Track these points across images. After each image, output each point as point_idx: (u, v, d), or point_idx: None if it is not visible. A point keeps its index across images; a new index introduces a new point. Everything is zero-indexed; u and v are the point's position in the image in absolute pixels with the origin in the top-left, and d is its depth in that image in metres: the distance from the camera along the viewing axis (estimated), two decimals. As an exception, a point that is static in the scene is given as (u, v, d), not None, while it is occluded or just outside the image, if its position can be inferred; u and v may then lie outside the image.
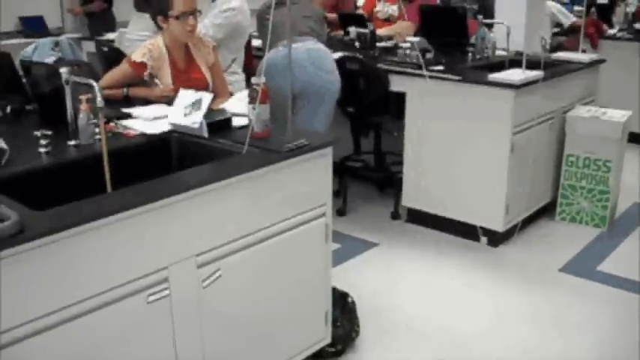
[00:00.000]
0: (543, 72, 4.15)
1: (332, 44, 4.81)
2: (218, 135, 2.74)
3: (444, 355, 3.18)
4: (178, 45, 3.36)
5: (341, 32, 5.54)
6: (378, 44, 5.07)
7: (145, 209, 2.08)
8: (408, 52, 4.57)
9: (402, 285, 3.81)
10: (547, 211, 4.70)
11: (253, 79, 2.66)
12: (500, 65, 4.44)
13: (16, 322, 1.84)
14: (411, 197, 4.54)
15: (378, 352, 3.18)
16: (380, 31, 5.33)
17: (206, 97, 2.78)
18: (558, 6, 6.72)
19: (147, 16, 3.63)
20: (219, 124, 2.79)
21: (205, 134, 2.73)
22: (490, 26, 4.99)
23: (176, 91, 2.96)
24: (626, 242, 4.39)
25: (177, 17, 3.23)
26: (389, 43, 5.14)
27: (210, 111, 2.79)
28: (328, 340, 2.98)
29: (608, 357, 3.19)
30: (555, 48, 5.90)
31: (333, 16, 5.74)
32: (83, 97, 2.61)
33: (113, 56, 4.44)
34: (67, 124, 2.70)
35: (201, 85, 3.28)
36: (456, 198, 4.30)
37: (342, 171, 4.84)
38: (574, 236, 4.44)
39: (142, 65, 3.30)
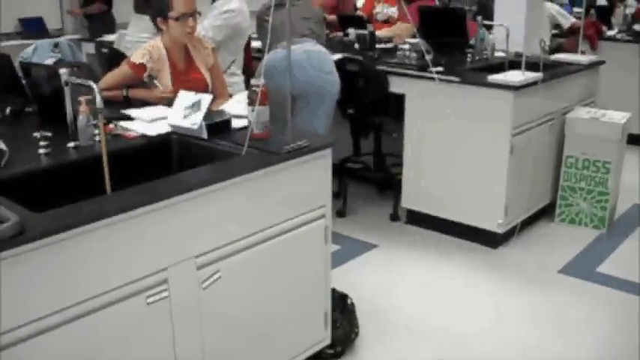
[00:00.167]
0: (543, 73, 4.15)
1: (331, 45, 4.82)
2: (217, 136, 2.74)
3: (443, 355, 3.18)
4: (178, 46, 3.36)
5: (340, 33, 5.55)
6: (378, 45, 5.07)
7: (145, 210, 2.08)
8: (407, 53, 4.58)
9: (402, 286, 3.81)
10: (546, 212, 4.70)
11: (253, 81, 2.66)
12: (499, 67, 4.44)
13: (16, 323, 1.84)
14: (411, 198, 4.54)
15: (377, 352, 3.18)
16: (379, 33, 5.33)
17: (205, 99, 2.78)
18: (557, 7, 6.73)
19: (147, 17, 3.63)
20: (218, 126, 2.79)
21: (205, 135, 2.73)
22: (489, 28, 5.00)
23: (176, 93, 2.97)
24: (626, 244, 4.39)
25: (176, 19, 3.23)
26: (388, 45, 5.15)
27: (209, 112, 2.79)
28: (328, 342, 2.98)
29: (607, 357, 3.19)
30: (555, 49, 5.91)
31: (332, 17, 5.75)
32: (83, 99, 2.62)
33: (113, 58, 4.44)
34: (66, 126, 2.70)
35: (200, 87, 3.28)
36: (456, 199, 4.30)
37: (341, 172, 4.84)
38: (573, 238, 4.44)
39: (142, 67, 3.30)
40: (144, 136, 2.79)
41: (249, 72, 4.52)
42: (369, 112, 4.72)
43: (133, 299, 2.11)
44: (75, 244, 1.92)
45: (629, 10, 7.39)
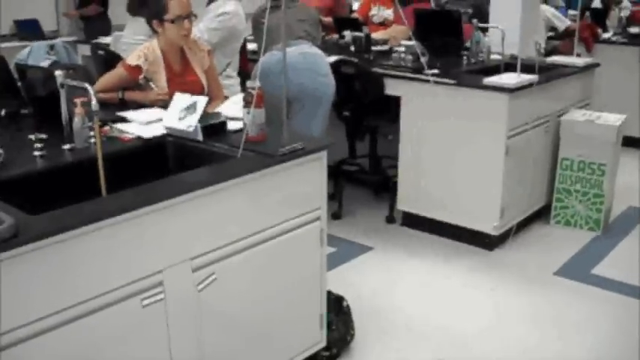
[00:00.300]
0: (538, 76, 4.16)
1: (327, 48, 4.82)
2: (213, 139, 2.74)
3: (443, 355, 3.19)
4: (174, 49, 3.36)
5: (336, 36, 5.56)
6: (373, 48, 5.08)
7: (140, 213, 2.08)
8: (403, 55, 4.58)
9: (398, 287, 3.81)
10: (542, 214, 4.71)
11: (248, 83, 2.66)
12: (495, 69, 4.45)
13: (15, 324, 1.84)
14: (406, 201, 4.55)
15: (376, 353, 3.19)
16: (375, 35, 5.34)
17: (201, 101, 2.78)
18: (553, 10, 6.74)
19: (143, 19, 3.63)
20: (214, 128, 2.79)
21: (200, 138, 2.73)
22: (485, 30, 5.00)
23: (171, 95, 2.97)
24: (621, 246, 4.40)
25: (172, 21, 3.24)
26: (384, 47, 5.15)
27: (205, 115, 2.80)
28: (323, 344, 2.98)
29: (607, 358, 3.20)
30: (550, 52, 5.93)
31: (328, 19, 5.75)
32: (78, 101, 2.62)
33: (109, 60, 4.43)
34: (62, 128, 2.70)
35: (196, 89, 3.28)
36: (451, 202, 4.31)
37: (337, 175, 4.84)
38: (569, 240, 4.45)
39: (138, 69, 3.30)
40: (139, 139, 2.79)
41: (244, 74, 4.51)
42: (364, 114, 4.72)
43: (129, 301, 2.11)
44: (70, 246, 1.92)
45: (624, 13, 7.42)
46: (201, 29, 4.11)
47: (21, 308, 1.85)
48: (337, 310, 3.13)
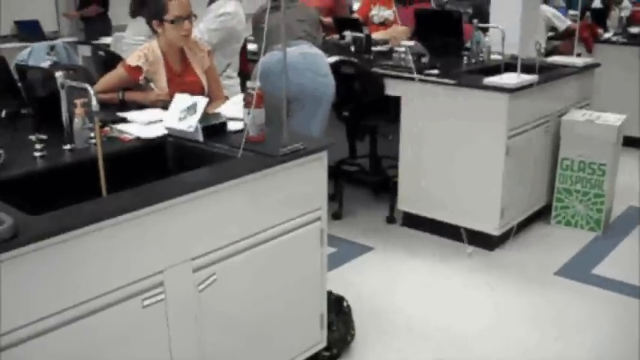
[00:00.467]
0: (538, 76, 4.16)
1: (327, 48, 4.82)
2: (213, 139, 2.74)
3: (443, 355, 3.19)
4: (174, 49, 3.36)
5: (336, 36, 5.55)
6: (374, 48, 5.08)
7: (140, 213, 2.08)
8: (403, 56, 4.58)
9: (398, 287, 3.82)
10: (542, 214, 4.71)
11: (248, 84, 2.66)
12: (495, 69, 4.45)
13: (15, 324, 1.84)
14: (407, 201, 4.55)
15: (377, 353, 3.19)
16: (375, 35, 5.34)
17: (201, 102, 2.78)
18: (553, 10, 6.74)
19: (143, 20, 3.63)
20: (214, 128, 2.79)
21: (200, 138, 2.73)
22: (485, 30, 5.00)
23: (171, 96, 2.97)
24: (621, 245, 4.40)
25: (172, 21, 3.24)
26: (384, 47, 5.15)
27: (205, 115, 2.80)
28: (324, 344, 2.98)
29: (607, 358, 3.20)
30: (550, 52, 5.93)
31: (328, 20, 5.75)
32: (78, 102, 2.62)
33: (109, 60, 4.43)
34: (62, 128, 2.71)
35: (196, 90, 3.28)
36: (452, 202, 4.31)
37: (337, 175, 4.84)
38: (569, 240, 4.45)
39: (138, 69, 3.30)
40: (139, 139, 2.79)
41: (244, 75, 4.52)
42: (364, 114, 4.72)
43: (129, 302, 2.11)
44: (71, 246, 1.92)
45: (625, 13, 7.42)
46: (201, 30, 4.11)
47: (21, 309, 1.86)
48: (337, 311, 3.13)
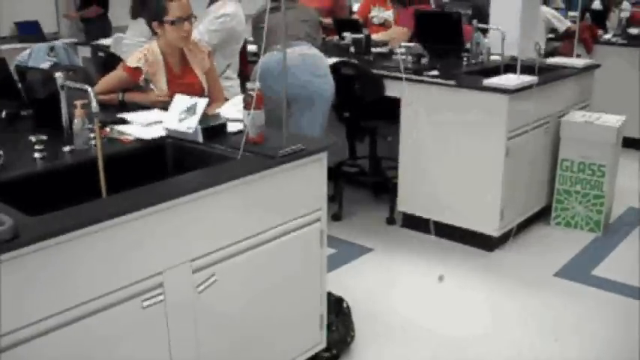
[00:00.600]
0: (538, 77, 4.16)
1: (327, 49, 4.82)
2: (213, 140, 2.74)
3: (439, 358, 3.19)
4: (174, 50, 3.36)
5: (336, 37, 5.56)
6: (373, 49, 5.08)
7: (140, 214, 2.08)
8: (403, 57, 4.59)
9: (398, 289, 3.82)
10: (542, 215, 4.71)
11: (248, 85, 2.66)
12: (495, 70, 4.46)
13: (15, 325, 1.84)
14: (407, 202, 4.55)
15: (373, 355, 3.19)
16: (375, 37, 5.34)
17: (201, 103, 2.78)
18: (553, 11, 6.75)
19: (144, 21, 3.63)
20: (214, 130, 2.79)
21: (200, 139, 2.73)
22: (485, 31, 5.01)
23: (171, 97, 2.97)
24: (621, 247, 4.40)
25: (172, 23, 3.24)
26: (384, 49, 5.15)
27: (205, 116, 2.80)
28: (323, 345, 2.98)
29: (609, 359, 3.21)
30: (550, 53, 5.93)
31: (328, 21, 5.75)
32: (78, 103, 2.62)
33: (109, 61, 4.44)
34: (62, 130, 2.70)
35: (196, 91, 3.29)
36: (451, 203, 4.31)
37: (337, 176, 4.84)
38: (569, 241, 4.45)
39: (138, 70, 3.30)
40: (139, 140, 2.78)
41: (244, 76, 4.52)
42: (364, 115, 4.72)
43: (129, 303, 2.11)
44: (71, 247, 1.92)
45: (624, 14, 7.42)
46: (201, 31, 4.11)
47: (21, 309, 1.86)
48: (337, 312, 3.14)
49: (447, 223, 4.37)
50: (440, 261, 4.14)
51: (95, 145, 2.46)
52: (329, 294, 3.03)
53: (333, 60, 4.54)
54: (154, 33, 3.37)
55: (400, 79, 4.35)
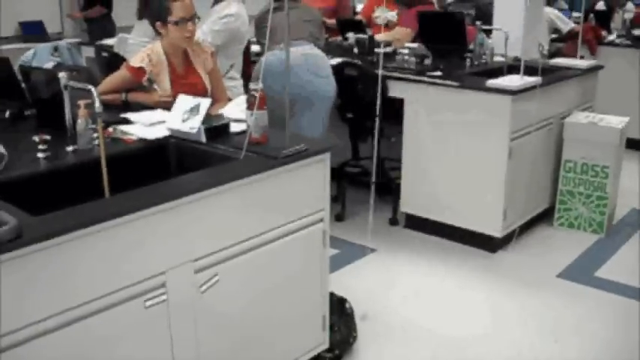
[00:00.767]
0: (541, 78, 4.16)
1: (330, 50, 4.83)
2: (216, 140, 2.74)
3: (440, 358, 3.19)
4: (177, 50, 3.37)
5: (339, 38, 5.56)
6: (377, 50, 5.08)
7: (143, 214, 2.08)
8: (406, 57, 4.59)
9: (400, 289, 3.81)
10: (545, 216, 4.70)
11: (251, 85, 2.67)
12: (498, 71, 4.46)
13: (16, 325, 1.84)
14: (409, 203, 4.55)
15: (374, 355, 3.19)
16: (378, 37, 5.34)
17: (204, 103, 2.78)
18: (557, 12, 6.74)
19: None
20: (217, 130, 2.79)
21: (203, 139, 2.73)
22: (488, 32, 5.01)
23: (174, 97, 2.97)
24: (624, 248, 4.40)
25: (175, 23, 3.24)
26: (387, 49, 5.15)
27: (208, 116, 2.80)
28: (326, 345, 2.98)
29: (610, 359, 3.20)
30: (554, 54, 5.93)
31: (331, 21, 5.75)
32: (82, 103, 2.62)
33: (112, 61, 4.44)
34: (65, 130, 2.71)
35: (199, 91, 3.29)
36: (454, 204, 4.31)
37: (340, 176, 4.84)
38: (572, 242, 4.44)
39: (141, 70, 3.30)
40: (142, 140, 2.79)
41: (247, 76, 4.52)
42: (367, 116, 4.71)
43: (132, 302, 2.11)
44: (73, 247, 1.93)
45: (628, 15, 7.41)
46: (204, 31, 4.11)
47: (24, 309, 1.86)
48: (340, 312, 3.13)
49: (449, 224, 4.37)
50: (442, 262, 4.14)
51: (98, 145, 2.47)
52: (331, 294, 3.03)
53: (337, 60, 4.53)
54: (158, 33, 3.37)
55: (403, 79, 4.35)
